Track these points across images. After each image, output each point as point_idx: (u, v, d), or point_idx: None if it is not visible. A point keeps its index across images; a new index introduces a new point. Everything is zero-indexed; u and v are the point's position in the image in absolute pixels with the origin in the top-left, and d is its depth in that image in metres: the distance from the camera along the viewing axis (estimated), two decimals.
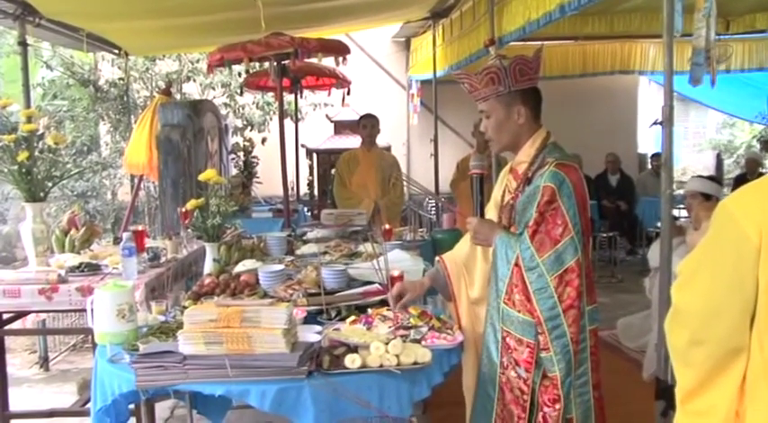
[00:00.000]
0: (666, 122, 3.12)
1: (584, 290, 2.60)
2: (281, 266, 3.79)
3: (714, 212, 1.58)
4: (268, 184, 8.02)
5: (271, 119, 9.63)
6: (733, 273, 1.49)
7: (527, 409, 2.61)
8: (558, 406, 2.57)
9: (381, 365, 2.42)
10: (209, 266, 3.94)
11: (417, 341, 2.64)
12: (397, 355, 2.44)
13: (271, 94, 8.77)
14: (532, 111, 2.79)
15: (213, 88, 9.51)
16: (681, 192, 7.93)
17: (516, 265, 2.64)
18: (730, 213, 1.52)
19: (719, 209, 1.56)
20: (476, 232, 2.85)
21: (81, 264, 4.11)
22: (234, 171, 8.01)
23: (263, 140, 9.26)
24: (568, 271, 2.56)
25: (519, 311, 2.63)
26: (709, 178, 5.86)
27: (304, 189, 9.31)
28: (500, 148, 2.89)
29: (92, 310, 2.75)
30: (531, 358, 2.60)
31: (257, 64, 6.92)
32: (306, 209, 8.65)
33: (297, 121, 8.41)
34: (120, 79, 8.94)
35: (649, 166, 11.42)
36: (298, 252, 4.61)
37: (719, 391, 1.53)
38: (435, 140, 8.70)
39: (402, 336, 2.65)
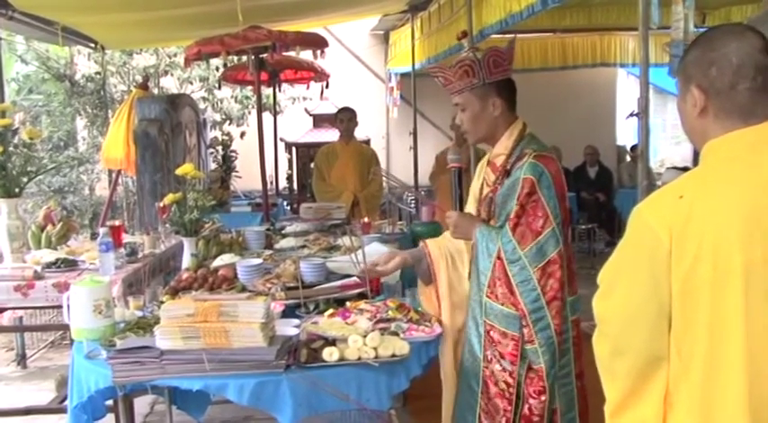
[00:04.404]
0: (642, 114, 3.13)
1: (566, 280, 2.61)
2: (259, 260, 3.78)
3: (629, 218, 1.56)
4: (247, 178, 8.00)
5: (249, 113, 9.58)
6: (648, 278, 1.48)
7: (513, 401, 2.61)
8: (543, 397, 2.58)
9: (359, 358, 2.42)
10: (187, 261, 3.92)
11: (396, 334, 2.64)
12: (375, 348, 2.44)
13: (249, 87, 8.71)
14: (507, 102, 2.77)
15: (191, 82, 9.45)
16: (659, 183, 7.98)
17: (498, 258, 2.63)
18: (643, 218, 1.51)
19: (633, 214, 1.55)
20: (456, 226, 2.84)
21: (57, 260, 4.08)
22: (213, 165, 7.98)
23: (242, 134, 9.23)
24: (551, 262, 2.56)
25: (503, 305, 2.62)
26: (684, 169, 5.90)
27: (283, 183, 9.28)
28: (476, 140, 2.89)
29: (68, 305, 2.73)
30: (516, 351, 2.60)
31: (235, 57, 6.89)
32: (285, 203, 8.64)
33: (275, 114, 8.38)
34: (96, 73, 8.86)
35: (628, 158, 11.51)
36: (276, 246, 4.60)
37: (646, 402, 1.51)
38: (414, 133, 8.71)
39: (381, 329, 2.65)
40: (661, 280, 1.46)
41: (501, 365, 2.64)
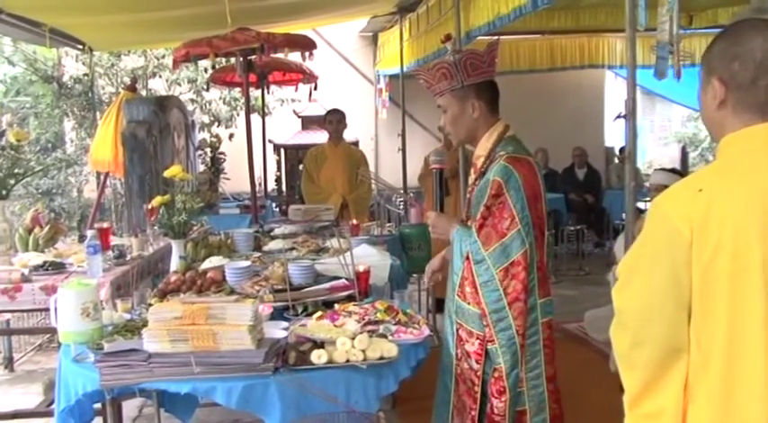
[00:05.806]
0: (630, 115, 3.15)
1: (536, 283, 2.64)
2: (247, 263, 3.77)
3: (648, 211, 1.57)
4: (236, 180, 7.99)
5: (238, 114, 9.56)
6: (668, 270, 1.49)
7: (478, 400, 2.65)
8: (503, 398, 2.61)
9: (348, 361, 2.42)
10: (175, 264, 3.91)
11: (384, 336, 2.64)
12: (364, 350, 2.44)
13: (237, 89, 8.70)
14: (488, 104, 2.78)
15: (179, 84, 9.42)
16: (648, 184, 8.01)
17: (467, 258, 2.67)
18: (663, 211, 1.52)
19: (653, 207, 1.56)
20: (433, 226, 2.90)
21: (45, 262, 4.06)
22: (201, 167, 7.96)
23: (231, 136, 9.21)
24: (514, 264, 2.58)
25: (469, 304, 2.68)
26: (672, 170, 5.93)
27: (272, 185, 9.28)
28: (458, 141, 2.93)
29: (55, 308, 2.72)
30: (481, 350, 2.64)
31: (223, 59, 6.88)
32: (274, 205, 8.63)
33: (264, 116, 8.37)
34: (84, 75, 8.83)
35: (616, 160, 11.55)
36: (265, 248, 4.59)
37: (666, 392, 1.52)
38: (403, 135, 8.70)
39: (370, 331, 2.65)
40: (681, 272, 1.47)
41: (468, 364, 2.68)
